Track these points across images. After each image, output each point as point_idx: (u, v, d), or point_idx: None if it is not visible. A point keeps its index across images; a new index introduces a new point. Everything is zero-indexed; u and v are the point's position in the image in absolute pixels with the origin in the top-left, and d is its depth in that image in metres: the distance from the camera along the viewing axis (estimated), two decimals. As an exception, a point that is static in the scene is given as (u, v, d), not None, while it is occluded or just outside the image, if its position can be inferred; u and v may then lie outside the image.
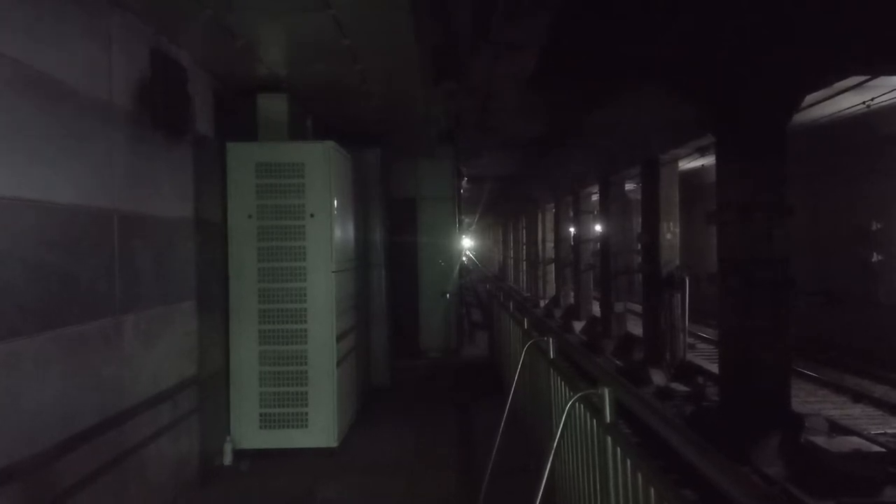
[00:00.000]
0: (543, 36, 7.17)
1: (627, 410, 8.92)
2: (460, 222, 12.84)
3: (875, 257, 13.20)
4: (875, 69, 8.53)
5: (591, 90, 10.48)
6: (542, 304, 26.75)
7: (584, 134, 14.16)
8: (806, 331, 13.32)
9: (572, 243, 22.37)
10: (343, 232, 5.93)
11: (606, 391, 2.65)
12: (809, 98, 9.07)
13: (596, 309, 19.81)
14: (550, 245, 26.74)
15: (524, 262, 34.77)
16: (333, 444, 5.52)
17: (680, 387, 11.74)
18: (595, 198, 20.17)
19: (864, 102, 10.67)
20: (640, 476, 2.22)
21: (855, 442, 7.59)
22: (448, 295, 10.71)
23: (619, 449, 2.46)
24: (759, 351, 8.47)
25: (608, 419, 2.62)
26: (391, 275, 8.91)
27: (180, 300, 4.57)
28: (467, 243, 51.75)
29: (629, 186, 19.73)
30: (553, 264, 26.34)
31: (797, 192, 11.87)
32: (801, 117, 10.92)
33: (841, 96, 10.15)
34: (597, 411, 2.73)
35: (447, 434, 6.30)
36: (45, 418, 3.05)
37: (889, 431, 9.33)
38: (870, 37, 7.30)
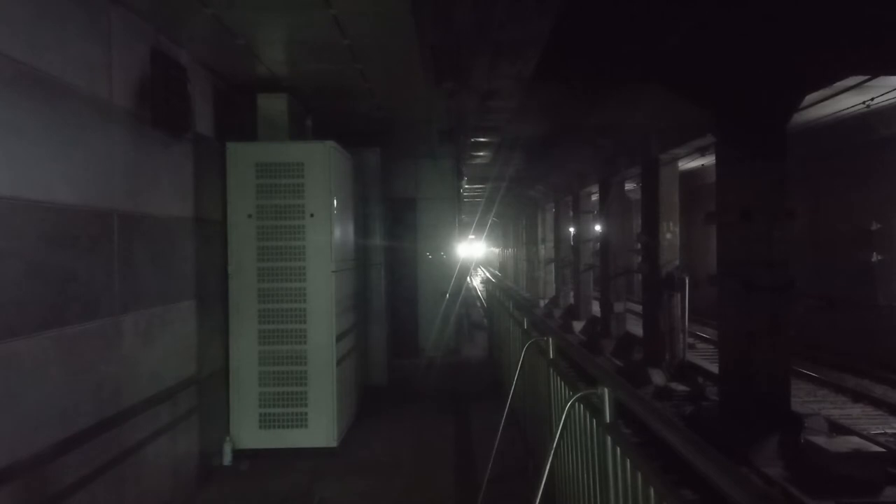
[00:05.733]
0: (545, 36, 7.16)
1: (627, 410, 8.90)
2: (461, 222, 12.83)
3: (875, 257, 13.20)
4: (873, 70, 8.54)
5: (592, 90, 10.47)
6: (541, 304, 26.76)
7: (584, 134, 14.16)
8: (806, 332, 13.32)
9: (572, 243, 22.38)
10: (343, 232, 5.92)
11: (606, 391, 2.64)
12: (809, 98, 9.07)
13: (596, 309, 19.82)
14: (550, 245, 26.75)
15: (524, 263, 34.76)
16: (333, 443, 5.52)
17: (679, 387, 11.75)
18: (595, 198, 20.18)
19: (864, 102, 10.67)
20: (639, 476, 2.21)
21: (855, 442, 7.59)
22: (448, 295, 10.71)
23: (618, 449, 2.45)
24: (758, 352, 8.47)
25: (608, 419, 2.62)
26: (391, 274, 8.90)
27: (180, 299, 4.57)
28: (475, 251, 49.38)
29: (629, 186, 19.74)
30: (553, 264, 26.34)
31: (797, 193, 11.89)
32: (801, 117, 10.93)
33: (841, 96, 10.15)
34: (596, 411, 2.73)
35: (446, 434, 6.30)
36: (45, 418, 3.05)
37: (889, 431, 9.33)
38: (869, 38, 7.31)
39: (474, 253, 48.42)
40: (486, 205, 28.91)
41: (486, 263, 57.40)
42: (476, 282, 30.89)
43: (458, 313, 11.51)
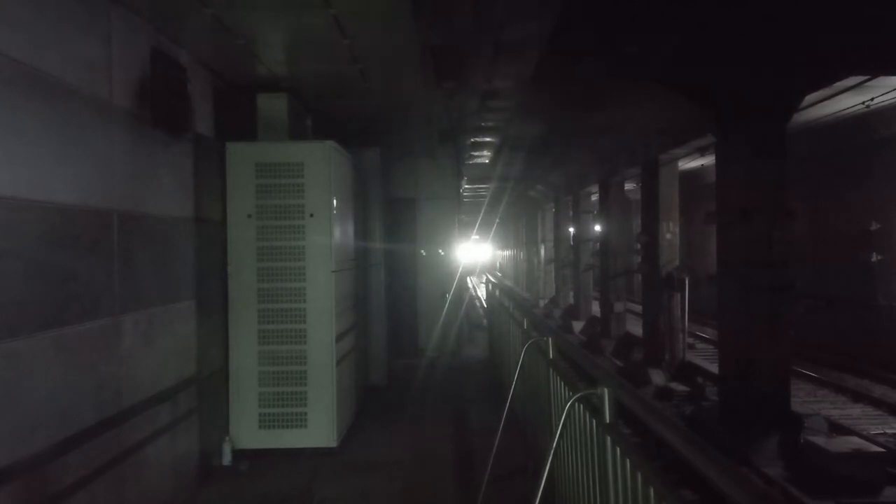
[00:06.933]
0: (545, 37, 7.16)
1: (627, 410, 8.93)
2: (461, 222, 12.82)
3: (875, 257, 13.20)
4: (873, 70, 8.54)
5: (592, 90, 10.47)
6: (541, 304, 26.77)
7: (584, 134, 14.16)
8: (806, 332, 13.32)
9: (572, 243, 22.38)
10: (342, 232, 5.92)
11: (606, 391, 2.64)
12: (809, 98, 9.07)
13: (595, 309, 19.83)
14: (550, 245, 26.75)
15: (524, 263, 34.76)
16: (333, 443, 5.51)
17: (679, 387, 11.75)
18: (595, 198, 20.18)
19: (863, 102, 10.67)
20: (639, 476, 2.21)
21: (855, 442, 7.59)
22: (447, 295, 10.70)
23: (618, 449, 2.45)
24: (758, 352, 8.47)
25: (608, 419, 2.62)
26: (391, 275, 8.90)
27: (179, 300, 4.56)
28: (479, 254, 45.89)
29: (629, 186, 19.74)
30: (553, 264, 26.35)
31: (797, 192, 11.88)
32: (801, 117, 10.93)
33: (840, 96, 10.15)
34: (596, 411, 2.73)
35: (446, 434, 6.29)
36: (44, 418, 3.04)
37: (889, 431, 9.33)
38: (869, 38, 7.31)
39: (478, 256, 46.41)
40: (488, 205, 28.88)
41: (491, 268, 52.28)
42: (480, 287, 30.17)
43: (457, 313, 11.51)
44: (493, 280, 15.17)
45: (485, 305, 18.81)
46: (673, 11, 7.51)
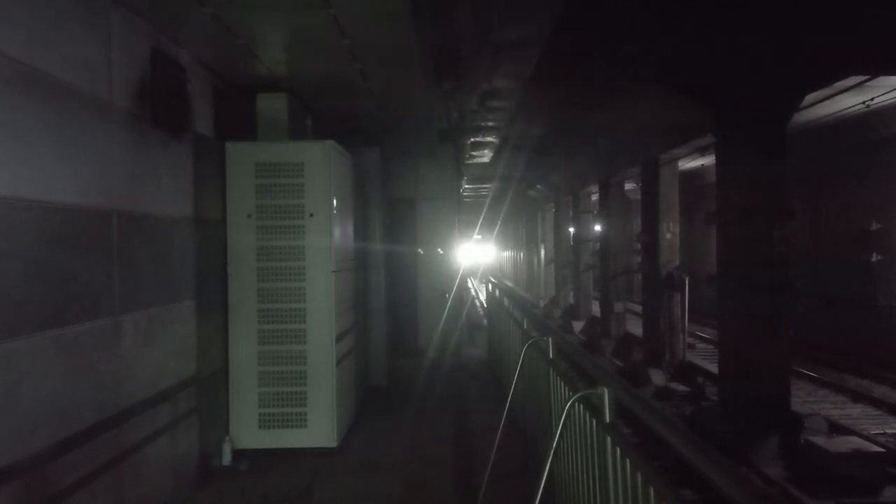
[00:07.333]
0: (545, 37, 7.17)
1: (627, 410, 8.92)
2: (461, 223, 12.81)
3: (875, 257, 13.20)
4: (873, 70, 8.54)
5: (592, 90, 10.47)
6: (541, 304, 26.76)
7: (584, 134, 14.17)
8: (806, 332, 13.32)
9: (572, 243, 22.38)
10: (342, 232, 5.92)
11: (606, 391, 2.64)
12: (809, 98, 9.08)
13: (595, 309, 19.82)
14: (550, 245, 26.75)
15: (525, 263, 34.75)
16: (332, 444, 5.51)
17: (679, 387, 11.75)
18: (595, 198, 20.18)
19: (863, 102, 10.68)
20: (639, 476, 2.21)
21: (855, 442, 7.59)
22: (448, 295, 10.70)
23: (618, 449, 2.45)
24: (758, 352, 8.47)
25: (608, 419, 2.62)
26: (390, 275, 8.89)
27: (179, 300, 4.56)
28: (482, 255, 44.53)
29: (629, 186, 19.75)
30: (553, 264, 26.35)
31: (797, 192, 11.89)
32: (801, 117, 10.94)
33: (841, 96, 10.15)
34: (596, 411, 2.73)
35: (446, 434, 6.29)
36: (44, 418, 3.04)
37: (889, 431, 9.33)
38: (869, 38, 7.31)
39: (480, 257, 45.70)
40: (489, 205, 28.83)
41: (494, 271, 49.97)
42: (481, 289, 29.97)
43: (457, 313, 11.50)
44: (493, 281, 15.19)
45: (485, 305, 18.80)
46: (673, 11, 7.51)
